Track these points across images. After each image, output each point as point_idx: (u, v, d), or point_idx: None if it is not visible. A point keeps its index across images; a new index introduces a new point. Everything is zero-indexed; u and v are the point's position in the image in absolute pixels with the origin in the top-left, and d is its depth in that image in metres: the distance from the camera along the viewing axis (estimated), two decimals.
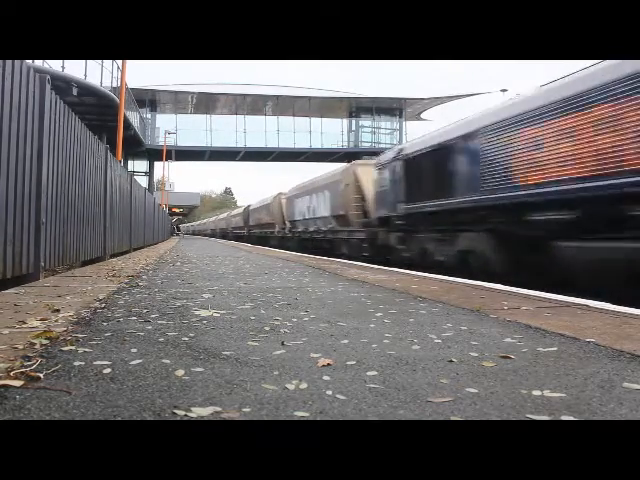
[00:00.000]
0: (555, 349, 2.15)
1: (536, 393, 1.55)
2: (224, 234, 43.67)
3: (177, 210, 51.08)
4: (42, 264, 4.93)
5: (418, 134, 12.28)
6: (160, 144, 31.31)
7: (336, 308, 3.30)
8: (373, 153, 16.81)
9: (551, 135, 5.71)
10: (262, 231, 26.67)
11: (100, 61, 17.68)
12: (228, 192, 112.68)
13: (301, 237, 18.76)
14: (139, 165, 33.26)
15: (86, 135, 7.00)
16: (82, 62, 16.44)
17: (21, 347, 1.98)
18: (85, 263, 7.26)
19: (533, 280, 5.76)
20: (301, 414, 1.35)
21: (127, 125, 19.16)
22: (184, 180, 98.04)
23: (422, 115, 36.18)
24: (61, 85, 13.82)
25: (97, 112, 17.61)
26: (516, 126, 6.36)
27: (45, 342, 2.08)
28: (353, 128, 35.24)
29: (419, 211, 8.92)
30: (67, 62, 15.17)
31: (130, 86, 21.44)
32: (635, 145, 4.64)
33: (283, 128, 33.65)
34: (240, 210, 36.29)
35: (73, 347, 2.04)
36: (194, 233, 73.04)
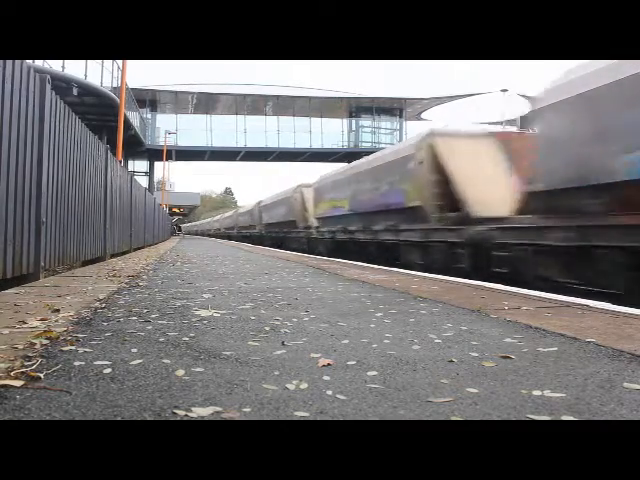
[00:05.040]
0: (555, 349, 2.15)
1: (536, 393, 1.55)
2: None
3: (177, 210, 51.04)
4: (42, 264, 4.93)
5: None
6: (160, 144, 31.31)
7: (336, 308, 3.30)
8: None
9: None
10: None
11: (100, 61, 17.69)
12: (228, 192, 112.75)
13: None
14: (139, 165, 33.29)
15: (86, 135, 7.00)
16: (82, 62, 16.46)
17: (21, 347, 1.98)
18: (85, 263, 7.26)
19: None
20: (301, 414, 1.35)
21: (127, 125, 19.16)
22: (184, 180, 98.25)
23: (422, 115, 36.19)
24: (61, 85, 13.82)
25: (97, 112, 17.62)
26: None
27: (45, 342, 2.08)
28: (353, 128, 35.24)
29: None
30: (67, 62, 15.19)
31: (130, 86, 21.44)
32: None
33: (283, 128, 33.66)
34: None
35: (73, 347, 2.04)
36: (195, 233, 72.67)
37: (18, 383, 1.53)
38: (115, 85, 17.80)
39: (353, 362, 1.90)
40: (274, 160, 36.44)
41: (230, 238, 38.75)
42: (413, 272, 7.00)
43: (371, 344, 2.22)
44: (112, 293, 3.87)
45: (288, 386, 1.59)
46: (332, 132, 34.47)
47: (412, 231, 9.70)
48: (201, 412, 1.34)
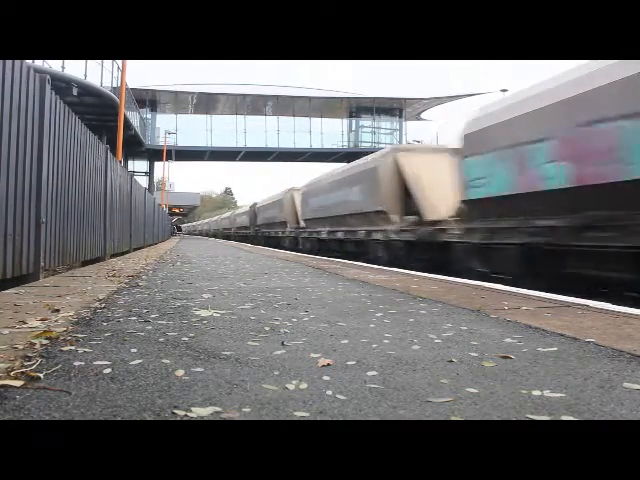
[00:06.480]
0: (555, 349, 2.15)
1: (536, 393, 1.55)
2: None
3: (177, 210, 51.06)
4: (42, 264, 4.93)
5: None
6: (160, 144, 31.31)
7: (336, 308, 3.30)
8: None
9: None
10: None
11: (100, 61, 17.69)
12: (228, 192, 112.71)
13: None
14: (139, 165, 33.28)
15: (86, 135, 7.00)
16: (82, 62, 16.46)
17: (21, 347, 1.98)
18: (85, 263, 7.25)
19: None
20: (301, 414, 1.35)
21: (127, 125, 19.15)
22: (184, 180, 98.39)
23: (422, 115, 36.19)
24: (61, 85, 13.82)
25: (97, 112, 17.61)
26: None
27: (45, 342, 2.08)
28: (353, 128, 35.24)
29: None
30: (67, 62, 15.19)
31: (130, 86, 21.43)
32: None
33: (283, 128, 33.66)
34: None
35: (73, 347, 2.04)
36: (196, 233, 72.36)
37: (18, 383, 1.53)
38: (115, 85, 17.79)
39: (353, 362, 1.90)
40: (274, 160, 36.42)
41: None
42: (413, 272, 7.01)
43: (371, 344, 2.22)
44: (112, 293, 3.87)
45: (288, 386, 1.59)
46: (332, 132, 34.47)
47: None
48: (201, 412, 1.34)
